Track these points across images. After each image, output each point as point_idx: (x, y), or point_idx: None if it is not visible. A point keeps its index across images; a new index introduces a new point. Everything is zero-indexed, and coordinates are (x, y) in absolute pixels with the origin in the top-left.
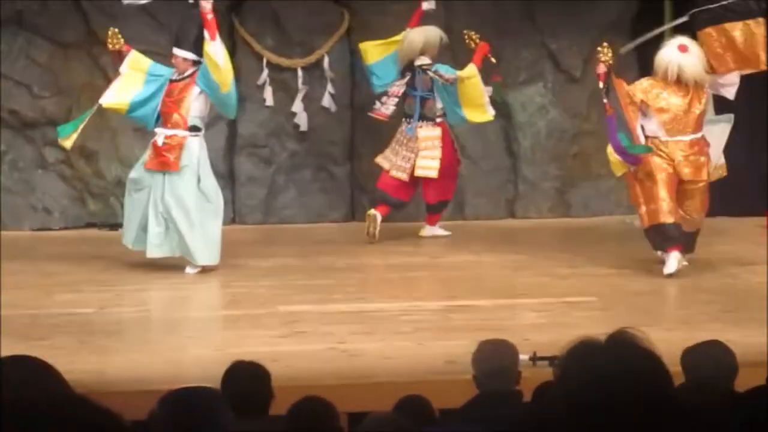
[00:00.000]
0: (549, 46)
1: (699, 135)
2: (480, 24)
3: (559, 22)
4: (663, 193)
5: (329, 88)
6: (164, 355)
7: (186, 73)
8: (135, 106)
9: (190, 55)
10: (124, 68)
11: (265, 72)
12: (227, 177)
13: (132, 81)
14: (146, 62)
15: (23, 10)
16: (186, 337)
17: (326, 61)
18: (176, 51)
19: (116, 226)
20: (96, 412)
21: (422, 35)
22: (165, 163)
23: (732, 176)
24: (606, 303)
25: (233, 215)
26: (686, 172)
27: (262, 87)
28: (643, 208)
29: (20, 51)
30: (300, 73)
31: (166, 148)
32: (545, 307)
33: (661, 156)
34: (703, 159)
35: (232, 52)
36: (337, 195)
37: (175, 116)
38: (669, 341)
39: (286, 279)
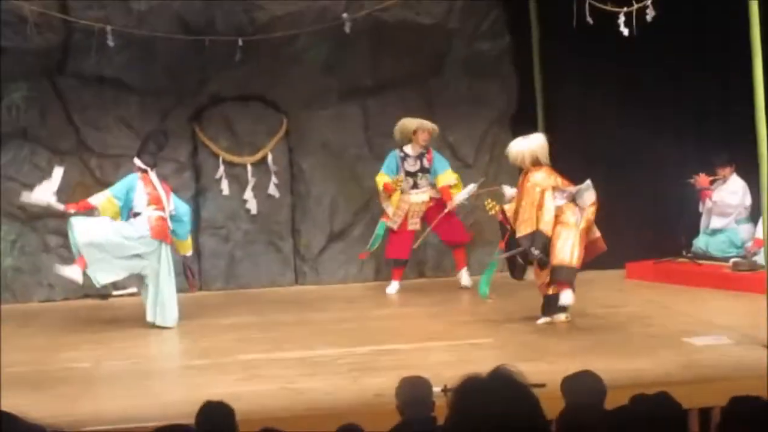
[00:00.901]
0: (447, 138)
1: None
2: (391, 118)
3: (455, 117)
4: None
5: (273, 179)
6: (149, 399)
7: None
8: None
9: (137, 162)
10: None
11: (221, 168)
12: (194, 252)
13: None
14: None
15: (27, 126)
16: (165, 383)
17: (270, 157)
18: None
19: (106, 296)
20: None
21: None
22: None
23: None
24: (501, 343)
25: (200, 284)
26: None
27: (219, 180)
28: None
29: (24, 158)
30: (249, 168)
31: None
32: (452, 348)
33: None
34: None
35: (195, 153)
36: (283, 264)
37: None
38: (551, 372)
39: (244, 333)
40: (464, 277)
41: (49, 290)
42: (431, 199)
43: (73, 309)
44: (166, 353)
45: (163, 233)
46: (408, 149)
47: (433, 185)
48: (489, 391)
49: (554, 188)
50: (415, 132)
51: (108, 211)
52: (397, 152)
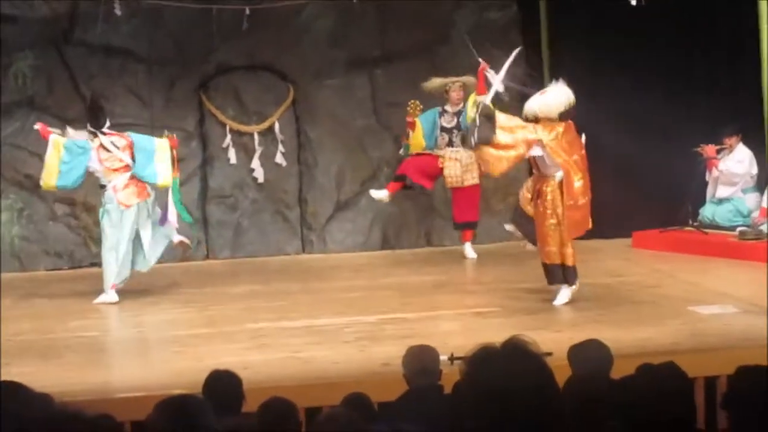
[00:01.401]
0: None
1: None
2: (399, 88)
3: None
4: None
5: (280, 148)
6: (156, 367)
7: None
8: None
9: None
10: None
11: (229, 137)
12: (201, 221)
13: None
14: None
15: (34, 95)
16: (173, 352)
17: (277, 126)
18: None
19: None
20: (85, 421)
21: None
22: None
23: (602, 205)
24: (507, 312)
25: (207, 252)
26: None
27: (226, 149)
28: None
29: (31, 127)
30: (256, 136)
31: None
32: (459, 317)
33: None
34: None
35: (202, 122)
36: (290, 233)
37: None
38: (558, 341)
39: (251, 302)
40: (468, 250)
41: (56, 259)
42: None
43: (81, 277)
44: (173, 322)
45: (138, 195)
46: (447, 106)
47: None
48: (503, 360)
49: (540, 140)
50: (446, 92)
51: (52, 154)
52: (438, 108)
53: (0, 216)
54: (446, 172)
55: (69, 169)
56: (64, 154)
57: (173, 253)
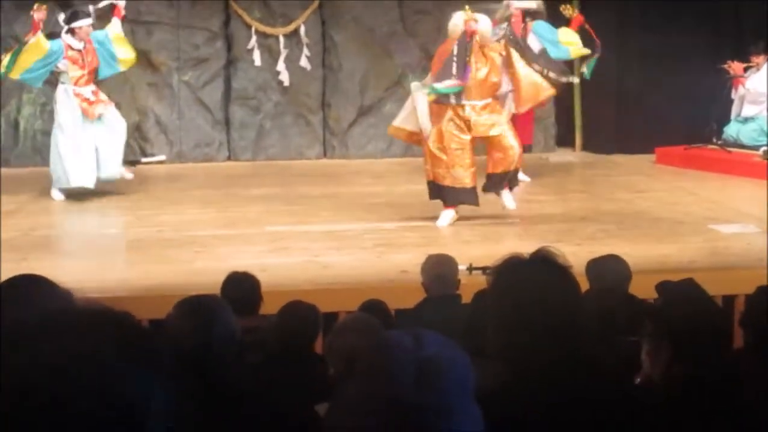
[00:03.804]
0: None
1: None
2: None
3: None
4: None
5: (305, 51)
6: (176, 267)
7: None
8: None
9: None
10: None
11: (254, 38)
12: (223, 123)
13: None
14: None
15: None
16: (193, 252)
17: (303, 29)
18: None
19: (134, 163)
20: (109, 316)
21: None
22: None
23: (627, 120)
24: (527, 223)
25: (228, 154)
26: (480, 130)
27: (251, 51)
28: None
29: (55, 23)
30: (282, 39)
31: None
32: (478, 227)
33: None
34: (494, 118)
35: (227, 23)
36: (312, 137)
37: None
38: (577, 255)
39: (271, 205)
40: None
41: None
42: None
43: None
44: (192, 222)
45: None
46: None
47: None
48: (532, 271)
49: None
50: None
51: (32, 50)
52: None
53: (23, 110)
54: None
55: (39, 69)
56: (45, 55)
57: (195, 154)
